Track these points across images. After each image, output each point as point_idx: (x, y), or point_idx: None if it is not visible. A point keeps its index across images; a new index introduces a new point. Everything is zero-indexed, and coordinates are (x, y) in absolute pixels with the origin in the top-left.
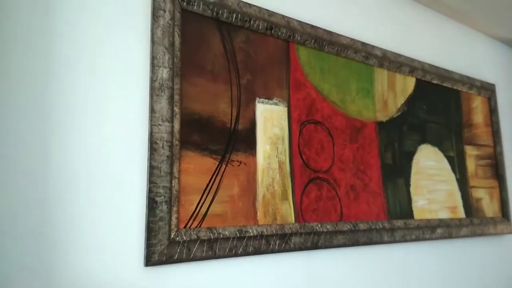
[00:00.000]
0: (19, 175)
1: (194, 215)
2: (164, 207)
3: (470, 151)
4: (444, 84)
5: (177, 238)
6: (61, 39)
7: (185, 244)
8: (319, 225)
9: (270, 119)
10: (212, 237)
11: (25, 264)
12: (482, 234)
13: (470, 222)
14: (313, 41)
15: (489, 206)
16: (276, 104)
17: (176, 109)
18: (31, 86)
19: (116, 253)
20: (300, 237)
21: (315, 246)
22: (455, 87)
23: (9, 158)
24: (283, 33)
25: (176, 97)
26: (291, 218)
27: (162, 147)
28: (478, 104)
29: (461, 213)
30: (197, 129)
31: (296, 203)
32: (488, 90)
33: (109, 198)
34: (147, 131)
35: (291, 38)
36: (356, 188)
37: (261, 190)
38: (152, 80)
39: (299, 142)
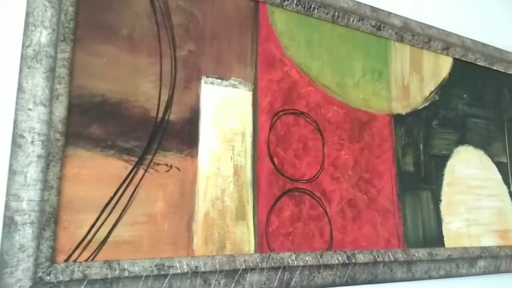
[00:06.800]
0: None
1: (85, 242)
2: (29, 230)
3: None
4: (494, 67)
5: (48, 277)
6: None
7: (61, 287)
8: (294, 256)
9: (225, 107)
10: (110, 275)
11: None
12: None
13: None
14: (295, 1)
15: None
16: (234, 86)
17: (60, 88)
18: None
19: None
20: (261, 274)
21: None
22: (510, 72)
23: None
24: None
25: (61, 70)
26: (250, 246)
27: (32, 142)
28: None
29: None
30: (98, 118)
31: (259, 225)
32: None
33: None
34: (11, 119)
35: None
36: (356, 203)
37: (202, 206)
38: (24, 46)
39: (269, 139)
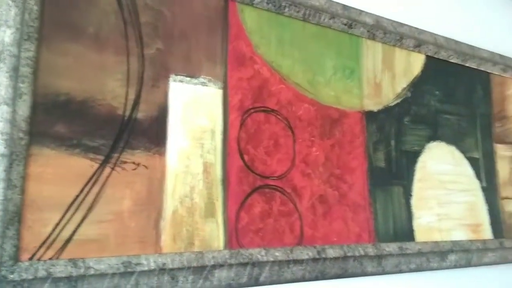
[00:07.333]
0: None
1: (50, 240)
2: None
3: (503, 152)
4: (467, 64)
5: (12, 276)
6: None
7: (25, 285)
8: (263, 252)
9: (194, 105)
10: (75, 273)
11: None
12: None
13: (500, 245)
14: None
15: None
16: (204, 84)
17: (24, 87)
18: None
19: None
20: (229, 270)
21: (254, 283)
22: (482, 68)
23: None
24: None
25: (25, 69)
26: (219, 243)
27: None
28: None
29: (487, 233)
30: (63, 117)
31: (229, 222)
32: None
33: None
34: None
35: None
36: (327, 199)
37: (171, 204)
38: None
39: (240, 137)
